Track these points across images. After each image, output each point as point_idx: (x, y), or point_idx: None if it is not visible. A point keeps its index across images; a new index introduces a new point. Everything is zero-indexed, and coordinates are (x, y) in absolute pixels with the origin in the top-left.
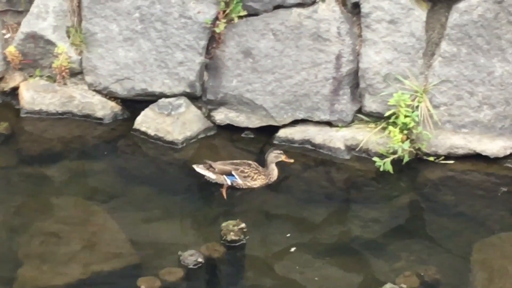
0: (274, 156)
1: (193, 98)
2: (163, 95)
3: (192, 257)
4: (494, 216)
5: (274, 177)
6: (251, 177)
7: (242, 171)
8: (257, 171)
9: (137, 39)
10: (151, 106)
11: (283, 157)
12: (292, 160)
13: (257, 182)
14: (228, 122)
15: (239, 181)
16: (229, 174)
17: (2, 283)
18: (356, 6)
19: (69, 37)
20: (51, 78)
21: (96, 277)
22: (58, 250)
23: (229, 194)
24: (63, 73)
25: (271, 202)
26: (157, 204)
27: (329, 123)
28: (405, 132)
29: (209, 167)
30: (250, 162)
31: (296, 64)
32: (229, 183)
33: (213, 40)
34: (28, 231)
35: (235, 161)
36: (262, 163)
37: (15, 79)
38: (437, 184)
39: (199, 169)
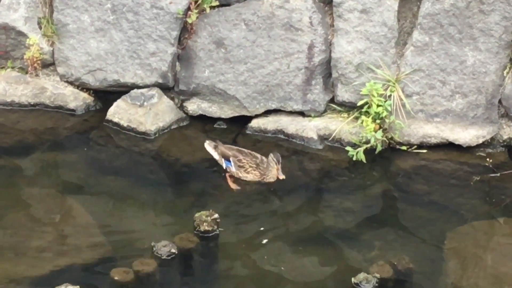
0: (270, 159)
1: (165, 88)
2: (135, 86)
3: (165, 248)
4: (467, 205)
5: (269, 178)
6: (244, 168)
7: (239, 160)
8: (254, 166)
9: (109, 30)
10: (123, 97)
11: (275, 167)
12: (283, 177)
13: (249, 176)
14: (200, 112)
15: (232, 169)
16: (227, 159)
17: None
18: None
19: (40, 28)
20: (23, 70)
21: (69, 268)
22: (31, 242)
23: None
24: (35, 65)
25: (244, 192)
26: (130, 195)
27: (301, 113)
28: (378, 121)
29: (215, 147)
30: (258, 155)
31: (268, 54)
32: (224, 167)
33: (185, 31)
34: (0, 223)
35: (244, 149)
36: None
37: None
38: (410, 173)
39: (207, 145)
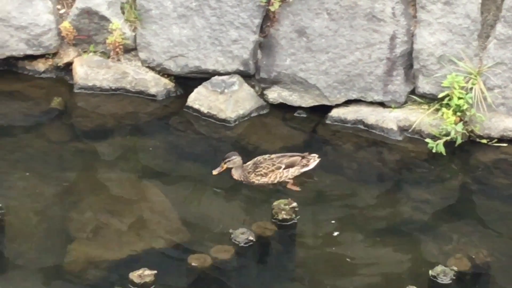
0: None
1: (246, 76)
2: (216, 73)
3: (243, 235)
4: None
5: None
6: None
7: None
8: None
9: (191, 16)
10: (204, 83)
11: (223, 165)
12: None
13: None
14: (281, 101)
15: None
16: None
17: (54, 257)
18: None
19: (123, 13)
20: (105, 54)
21: (147, 253)
22: (109, 226)
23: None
24: (117, 49)
25: (323, 182)
26: (209, 182)
27: (382, 104)
28: (459, 114)
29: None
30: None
31: (350, 44)
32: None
33: (268, 19)
34: (80, 206)
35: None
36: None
37: (69, 55)
38: (489, 166)
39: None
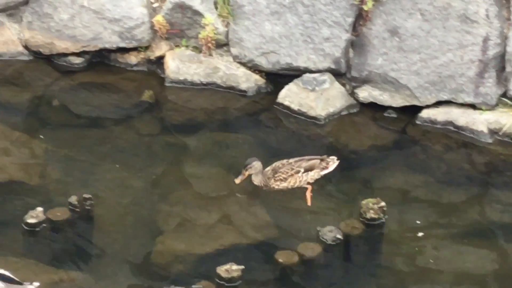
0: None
1: (337, 74)
2: (307, 70)
3: (331, 233)
4: None
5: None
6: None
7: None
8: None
9: (284, 13)
10: (295, 80)
11: (245, 173)
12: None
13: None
14: (371, 100)
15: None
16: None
17: (141, 249)
18: None
19: (216, 8)
20: (197, 49)
21: (234, 248)
22: (197, 220)
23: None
24: (209, 44)
25: (410, 182)
26: None
27: (472, 106)
28: None
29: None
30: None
31: (442, 45)
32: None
33: (360, 18)
34: (168, 199)
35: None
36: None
37: (161, 48)
38: None
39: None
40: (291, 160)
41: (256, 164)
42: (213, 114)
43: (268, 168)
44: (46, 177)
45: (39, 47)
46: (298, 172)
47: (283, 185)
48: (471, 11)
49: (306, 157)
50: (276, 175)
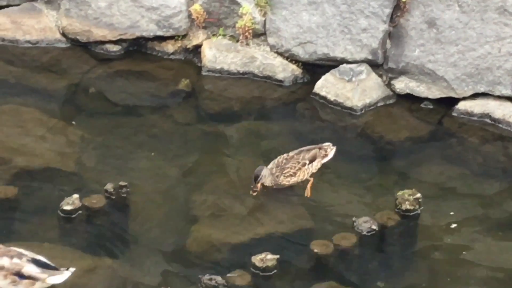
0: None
1: (374, 65)
2: (344, 61)
3: (366, 224)
4: None
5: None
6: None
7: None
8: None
9: (321, 4)
10: (332, 71)
11: (258, 185)
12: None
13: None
14: (408, 91)
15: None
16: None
17: (176, 238)
18: None
19: None
20: (234, 38)
21: (270, 238)
22: (232, 209)
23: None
24: (246, 34)
25: (446, 174)
26: (333, 169)
27: (509, 98)
28: None
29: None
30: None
31: (480, 37)
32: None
33: (398, 9)
34: (203, 188)
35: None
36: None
37: (198, 37)
38: None
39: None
40: (291, 154)
41: (265, 172)
42: (249, 104)
43: (271, 166)
44: (82, 164)
45: (76, 34)
46: (304, 164)
47: (294, 180)
48: (509, 3)
49: (305, 148)
50: (284, 172)
